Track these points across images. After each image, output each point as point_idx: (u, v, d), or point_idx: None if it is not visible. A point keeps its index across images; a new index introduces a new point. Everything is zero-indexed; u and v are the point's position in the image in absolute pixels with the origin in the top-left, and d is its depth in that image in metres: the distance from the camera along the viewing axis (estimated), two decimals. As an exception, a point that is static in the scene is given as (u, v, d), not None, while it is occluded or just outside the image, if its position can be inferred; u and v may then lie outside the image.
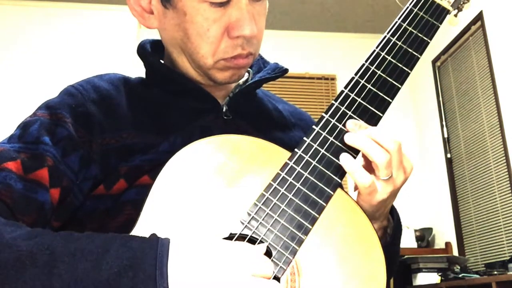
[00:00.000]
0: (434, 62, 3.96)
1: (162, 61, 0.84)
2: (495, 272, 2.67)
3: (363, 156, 0.67)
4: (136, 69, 0.88)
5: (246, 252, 0.55)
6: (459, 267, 3.04)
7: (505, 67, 3.13)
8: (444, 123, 3.82)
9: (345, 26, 4.29)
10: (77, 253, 0.52)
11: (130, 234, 0.59)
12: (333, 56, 4.25)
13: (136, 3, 0.77)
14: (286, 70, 0.86)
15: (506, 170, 3.10)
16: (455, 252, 3.53)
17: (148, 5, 0.77)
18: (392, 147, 0.65)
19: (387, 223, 0.74)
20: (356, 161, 0.66)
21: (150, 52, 0.82)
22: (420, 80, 4.06)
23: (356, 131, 0.67)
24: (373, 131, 0.66)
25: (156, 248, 0.52)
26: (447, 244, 3.58)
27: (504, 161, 3.12)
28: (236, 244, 0.56)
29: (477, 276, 2.76)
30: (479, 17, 3.36)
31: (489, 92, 3.29)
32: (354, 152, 0.67)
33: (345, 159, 0.65)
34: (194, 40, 0.73)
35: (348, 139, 0.66)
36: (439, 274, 2.97)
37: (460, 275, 2.85)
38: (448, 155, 3.73)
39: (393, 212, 0.76)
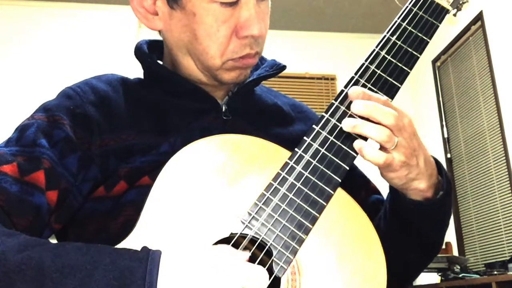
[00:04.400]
0: (434, 62, 3.96)
1: (161, 62, 0.83)
2: (495, 272, 2.68)
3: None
4: (136, 69, 0.88)
5: (239, 268, 0.55)
6: (459, 267, 3.04)
7: (505, 67, 3.13)
8: (444, 123, 3.83)
9: (345, 26, 4.29)
10: (65, 269, 0.51)
11: (131, 236, 0.59)
12: (333, 56, 4.25)
13: (140, 4, 0.76)
14: (284, 67, 0.85)
15: (506, 170, 3.10)
16: (455, 252, 3.53)
17: (152, 6, 0.76)
18: (390, 121, 0.64)
19: (437, 179, 0.72)
20: (366, 144, 0.65)
21: (147, 53, 0.81)
22: (420, 80, 4.06)
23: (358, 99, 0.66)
24: (369, 108, 0.65)
25: (146, 266, 0.51)
26: (447, 244, 3.57)
27: (504, 161, 3.12)
28: (229, 260, 0.56)
29: (477, 276, 2.76)
30: (479, 17, 3.36)
31: (489, 92, 3.29)
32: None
33: (356, 145, 0.65)
34: (202, 40, 0.72)
35: (347, 126, 0.65)
36: (439, 274, 2.97)
37: (460, 275, 2.85)
38: (448, 155, 3.73)
39: (441, 171, 0.74)
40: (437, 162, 0.73)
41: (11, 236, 0.54)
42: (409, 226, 0.72)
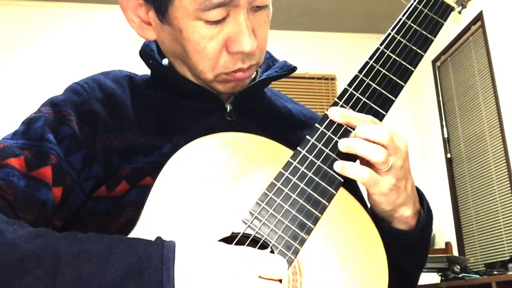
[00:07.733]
0: (434, 62, 3.96)
1: (167, 59, 0.83)
2: (495, 272, 2.67)
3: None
4: (137, 69, 0.87)
5: (253, 255, 0.54)
6: (459, 267, 3.04)
7: (505, 67, 3.13)
8: (444, 123, 3.82)
9: (345, 26, 4.28)
10: (81, 255, 0.51)
11: (131, 235, 0.59)
12: (333, 56, 4.25)
13: (134, 14, 0.75)
14: (294, 68, 0.84)
15: (506, 170, 3.10)
16: (455, 252, 3.53)
17: (146, 16, 0.74)
18: (385, 138, 0.63)
19: (419, 207, 0.71)
20: (347, 162, 0.64)
21: (151, 55, 0.80)
22: (420, 80, 4.06)
23: (338, 118, 0.66)
24: (363, 129, 0.64)
25: (162, 251, 0.52)
26: (447, 244, 3.57)
27: (504, 161, 3.12)
28: (243, 248, 0.55)
29: (477, 276, 2.76)
30: (479, 17, 3.36)
31: (489, 92, 3.29)
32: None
33: (336, 166, 0.64)
34: (191, 56, 0.71)
35: (341, 147, 0.65)
36: (439, 274, 2.96)
37: (460, 275, 2.85)
38: (448, 155, 3.73)
39: (422, 200, 0.73)
40: (418, 191, 0.72)
41: (22, 226, 0.54)
42: (390, 262, 0.69)
